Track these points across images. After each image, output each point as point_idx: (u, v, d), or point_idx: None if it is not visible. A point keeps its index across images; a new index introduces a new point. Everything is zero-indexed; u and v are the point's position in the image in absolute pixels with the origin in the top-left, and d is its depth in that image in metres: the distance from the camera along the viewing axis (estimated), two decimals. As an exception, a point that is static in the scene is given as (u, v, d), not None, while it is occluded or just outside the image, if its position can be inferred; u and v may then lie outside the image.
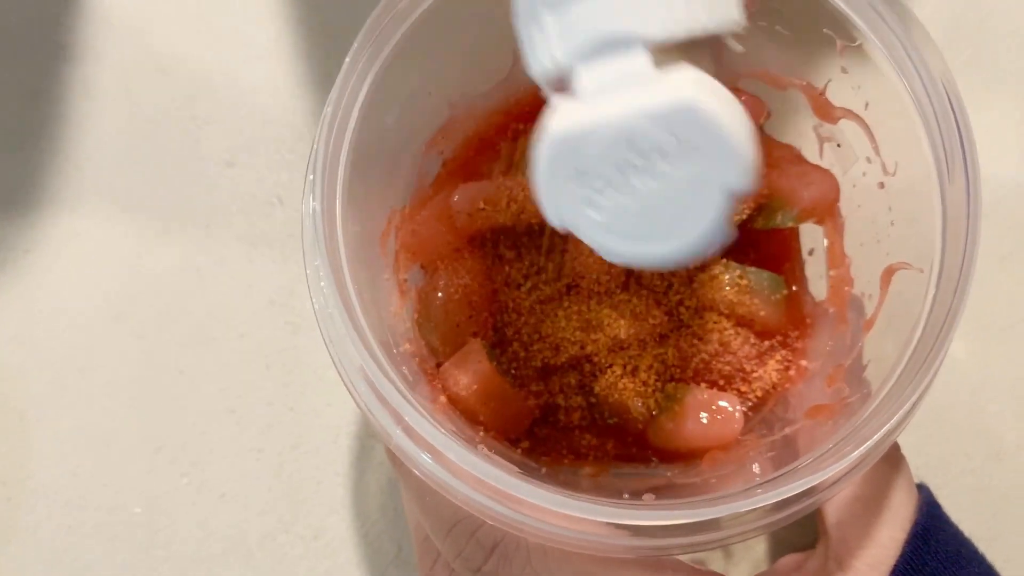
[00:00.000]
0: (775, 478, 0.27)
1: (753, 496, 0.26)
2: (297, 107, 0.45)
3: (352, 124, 0.28)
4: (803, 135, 0.35)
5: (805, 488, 0.26)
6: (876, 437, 0.26)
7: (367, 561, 0.41)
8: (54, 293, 0.44)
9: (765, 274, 0.35)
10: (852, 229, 0.34)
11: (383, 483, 0.42)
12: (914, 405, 0.26)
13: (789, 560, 0.34)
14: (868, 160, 0.32)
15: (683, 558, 0.32)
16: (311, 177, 0.28)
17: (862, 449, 0.26)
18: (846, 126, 0.33)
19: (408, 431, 0.27)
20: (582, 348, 0.35)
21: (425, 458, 0.27)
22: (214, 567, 0.41)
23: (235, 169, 0.44)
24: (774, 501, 0.26)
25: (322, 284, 0.27)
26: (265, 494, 0.42)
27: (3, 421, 0.43)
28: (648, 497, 0.28)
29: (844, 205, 0.34)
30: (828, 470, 0.26)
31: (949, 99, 0.27)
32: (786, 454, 0.31)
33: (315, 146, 0.28)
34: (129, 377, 0.43)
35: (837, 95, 0.33)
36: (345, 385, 0.28)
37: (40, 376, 0.44)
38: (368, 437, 0.42)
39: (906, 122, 0.29)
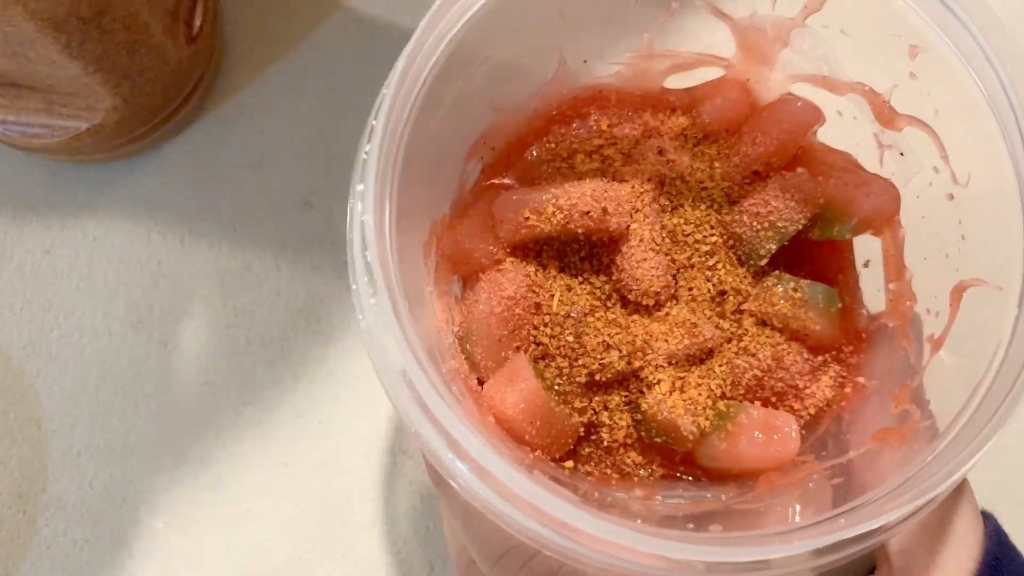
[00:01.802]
0: (843, 513, 0.26)
1: (826, 532, 0.24)
2: (328, 108, 0.44)
3: (403, 133, 0.27)
4: (862, 142, 0.34)
5: (874, 527, 0.24)
6: (950, 481, 0.24)
7: (398, 581, 0.40)
8: (72, 298, 0.43)
9: (819, 287, 0.34)
10: (915, 242, 0.33)
11: (415, 500, 0.40)
12: (992, 444, 0.25)
13: (849, 588, 0.32)
14: (935, 170, 0.31)
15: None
16: (360, 187, 0.26)
17: (933, 492, 0.24)
18: (911, 134, 0.32)
19: (463, 456, 0.25)
20: (629, 363, 0.33)
21: (475, 482, 0.25)
22: (238, 586, 0.40)
23: (262, 170, 0.43)
24: (844, 538, 0.25)
25: (372, 301, 0.25)
26: (292, 510, 0.40)
27: (19, 431, 0.42)
28: (715, 528, 0.27)
29: (906, 217, 0.33)
30: (898, 511, 0.24)
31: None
32: (847, 480, 0.30)
33: (364, 155, 0.26)
34: (150, 387, 0.42)
35: (903, 101, 0.31)
36: (393, 406, 0.26)
37: (57, 385, 0.42)
38: (400, 452, 0.40)
39: (982, 131, 0.28)
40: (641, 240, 0.34)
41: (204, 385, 0.41)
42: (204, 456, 0.41)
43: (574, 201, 0.33)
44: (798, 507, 0.30)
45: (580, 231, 0.34)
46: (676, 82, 0.36)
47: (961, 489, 0.31)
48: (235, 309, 0.42)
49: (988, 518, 0.32)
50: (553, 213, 0.33)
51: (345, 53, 0.44)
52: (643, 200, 0.34)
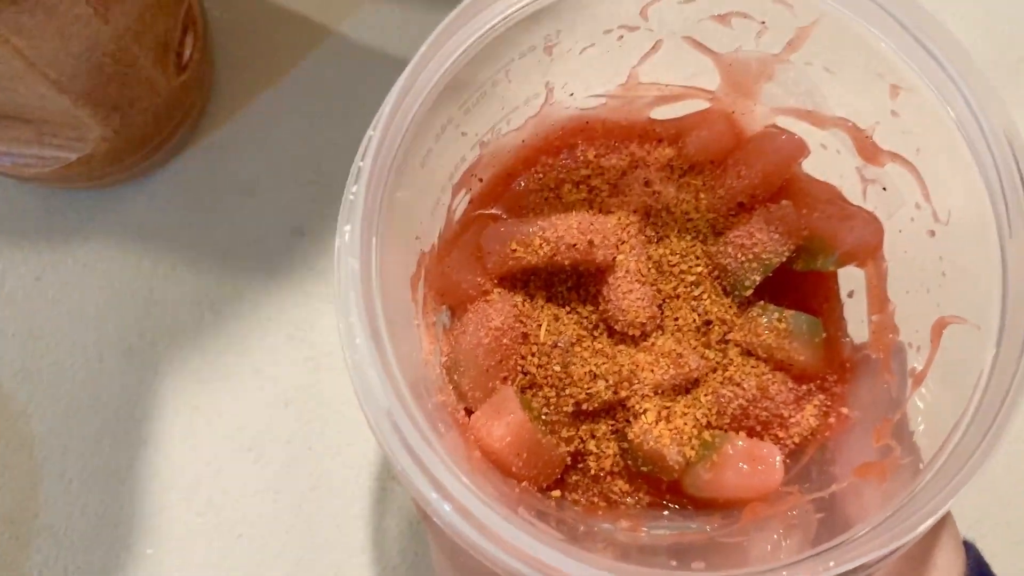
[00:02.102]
0: (828, 550, 0.26)
1: (810, 573, 0.25)
2: (319, 136, 0.44)
3: (390, 172, 0.27)
4: (845, 175, 0.34)
5: (858, 565, 0.25)
6: (932, 519, 0.25)
7: (388, 606, 0.40)
8: (64, 324, 0.43)
9: (804, 317, 0.34)
10: (898, 275, 0.33)
11: (404, 526, 0.40)
12: (975, 479, 0.25)
13: (832, 619, 0.32)
14: (917, 206, 0.31)
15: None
16: (347, 228, 0.26)
17: (916, 531, 0.25)
18: (893, 170, 0.32)
19: (447, 497, 0.25)
20: (616, 393, 0.34)
21: (460, 521, 0.25)
22: (229, 611, 0.40)
23: (253, 198, 0.43)
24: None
25: (357, 341, 0.26)
26: (283, 535, 0.40)
27: (10, 457, 0.42)
28: (698, 566, 0.27)
29: (889, 250, 0.33)
30: (882, 549, 0.25)
31: (1013, 152, 0.26)
32: (831, 513, 0.30)
33: (351, 196, 0.26)
34: (141, 413, 0.42)
35: (885, 137, 0.32)
36: (380, 446, 0.27)
37: (49, 411, 0.42)
38: (389, 479, 0.41)
39: (962, 171, 0.28)
40: (627, 271, 0.34)
41: (195, 411, 0.42)
42: (195, 482, 0.41)
43: (561, 233, 0.34)
44: (782, 538, 0.30)
45: (567, 262, 0.34)
46: (663, 113, 0.37)
47: (943, 521, 0.31)
48: (226, 336, 0.42)
49: (970, 548, 0.32)
50: (540, 245, 0.34)
51: (335, 80, 0.45)
52: (629, 232, 0.35)
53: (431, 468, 0.25)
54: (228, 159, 0.44)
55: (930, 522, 0.25)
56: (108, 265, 0.43)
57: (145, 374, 0.42)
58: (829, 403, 0.35)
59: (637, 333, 0.34)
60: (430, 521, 0.30)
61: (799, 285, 0.36)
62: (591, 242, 0.33)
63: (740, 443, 0.33)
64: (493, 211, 0.37)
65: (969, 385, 0.27)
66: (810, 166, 0.35)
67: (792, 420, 0.34)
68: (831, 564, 0.25)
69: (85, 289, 0.43)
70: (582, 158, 0.37)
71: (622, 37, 0.33)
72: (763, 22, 0.31)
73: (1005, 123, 0.27)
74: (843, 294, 0.36)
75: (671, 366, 0.34)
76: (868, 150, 0.32)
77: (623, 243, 0.34)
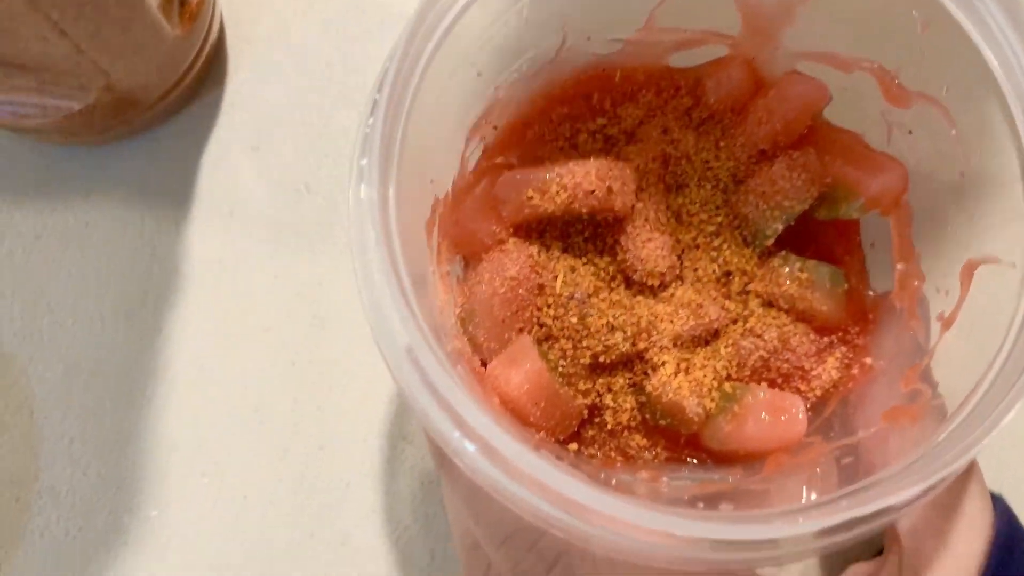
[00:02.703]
0: (853, 492, 0.26)
1: (830, 514, 0.24)
2: (326, 90, 0.43)
3: (407, 109, 0.26)
4: (869, 120, 0.33)
5: (884, 507, 0.24)
6: (960, 461, 0.24)
7: (399, 569, 0.39)
8: (64, 284, 0.42)
9: (825, 267, 0.34)
10: (924, 221, 0.32)
11: (415, 487, 0.39)
12: (1005, 422, 0.24)
13: (859, 569, 0.32)
14: (945, 149, 0.31)
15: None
16: (364, 161, 0.25)
17: (943, 473, 0.24)
18: (920, 111, 0.31)
19: (470, 435, 0.24)
20: (634, 345, 0.33)
21: (485, 463, 0.24)
22: (236, 575, 0.39)
23: (260, 153, 0.42)
24: (855, 516, 0.24)
25: (377, 277, 0.25)
26: (291, 497, 0.40)
27: (11, 418, 0.41)
28: (726, 507, 0.26)
29: (914, 196, 0.32)
30: (905, 491, 0.24)
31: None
32: (858, 461, 0.29)
33: (367, 128, 0.26)
34: (145, 373, 0.41)
35: (913, 78, 0.31)
36: (397, 384, 0.26)
37: (49, 372, 0.41)
38: (400, 438, 0.40)
39: (996, 108, 0.27)
40: (646, 220, 0.33)
41: (199, 371, 0.41)
42: (200, 443, 0.40)
43: (578, 180, 0.33)
44: (805, 489, 0.29)
45: (584, 211, 0.33)
46: (681, 60, 0.36)
47: (971, 471, 0.31)
48: (231, 295, 0.41)
49: (998, 501, 0.31)
50: (557, 192, 0.33)
51: (344, 32, 0.44)
52: (648, 180, 0.34)
53: (454, 405, 0.24)
54: (232, 115, 0.43)
55: (959, 464, 0.24)
56: (110, 223, 0.42)
57: (147, 334, 0.41)
58: (852, 355, 0.34)
59: (656, 283, 0.34)
60: (448, 468, 0.29)
61: (821, 235, 0.35)
62: (610, 189, 0.33)
63: (762, 394, 0.32)
64: (507, 160, 0.36)
65: (1001, 328, 0.26)
66: (832, 111, 0.34)
67: (814, 372, 0.34)
68: (848, 502, 0.24)
69: (86, 247, 0.42)
70: (599, 107, 0.36)
71: (641, -23, 0.32)
72: (788, -43, 0.30)
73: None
74: (866, 244, 0.35)
75: (690, 317, 0.33)
76: (894, 92, 0.32)
77: (642, 191, 0.34)
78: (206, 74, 0.43)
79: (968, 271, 0.29)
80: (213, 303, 0.41)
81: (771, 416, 0.32)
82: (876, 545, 0.33)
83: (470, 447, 0.24)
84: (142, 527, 0.40)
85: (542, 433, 0.31)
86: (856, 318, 0.34)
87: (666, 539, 0.24)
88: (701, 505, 0.27)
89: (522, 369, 0.31)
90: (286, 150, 0.42)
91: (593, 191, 0.33)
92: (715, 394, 0.33)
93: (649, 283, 0.34)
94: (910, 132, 0.32)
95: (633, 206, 0.33)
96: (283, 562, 0.39)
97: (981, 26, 0.27)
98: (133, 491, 0.40)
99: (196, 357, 0.41)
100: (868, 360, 0.33)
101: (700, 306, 0.33)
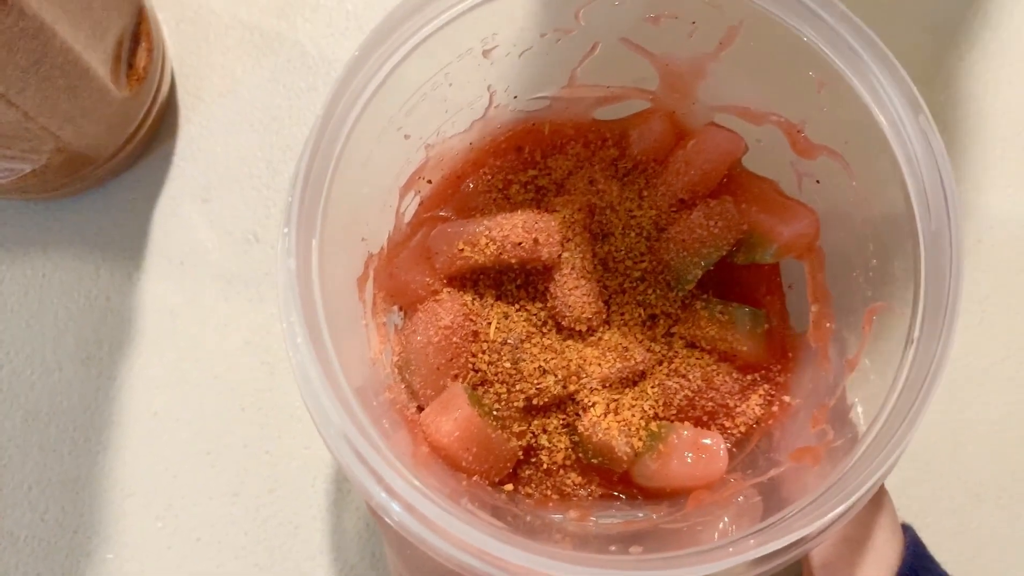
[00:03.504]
0: (763, 529, 0.27)
1: (743, 551, 0.25)
2: (274, 142, 0.44)
3: (331, 175, 0.28)
4: (781, 169, 0.35)
5: (794, 540, 0.26)
6: (865, 488, 0.25)
7: (348, 605, 0.40)
8: (22, 334, 0.43)
9: (747, 309, 0.35)
10: (834, 265, 0.34)
11: (361, 528, 0.41)
12: (901, 453, 0.26)
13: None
14: (847, 198, 0.32)
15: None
16: (286, 231, 0.27)
17: (851, 500, 0.25)
18: (824, 162, 0.33)
19: (389, 491, 0.26)
20: (565, 387, 0.34)
21: (407, 517, 0.26)
22: (191, 615, 0.41)
23: (210, 205, 0.43)
24: (763, 554, 0.26)
25: (298, 340, 0.26)
26: (242, 538, 0.41)
27: (-31, 467, 0.42)
28: (635, 550, 0.28)
29: (825, 241, 0.34)
30: (817, 522, 0.26)
31: (928, 138, 0.27)
32: (773, 497, 0.31)
33: (290, 199, 0.27)
34: (100, 420, 0.42)
35: (816, 132, 0.33)
36: (324, 442, 0.27)
37: (8, 420, 0.42)
38: (345, 481, 0.41)
39: (886, 160, 0.29)
40: (573, 268, 0.35)
41: (153, 416, 0.42)
42: (154, 487, 0.41)
43: (506, 232, 0.34)
44: (729, 524, 0.31)
45: (514, 261, 0.35)
46: (607, 114, 0.37)
47: (881, 504, 0.32)
48: (183, 342, 0.42)
49: (908, 530, 0.33)
50: (487, 244, 0.34)
51: (290, 89, 0.45)
52: (574, 229, 0.35)
53: (375, 466, 0.26)
54: (183, 167, 0.44)
55: (861, 493, 0.26)
56: (66, 274, 0.43)
57: (103, 381, 0.42)
58: (773, 392, 0.35)
59: (584, 328, 0.35)
60: (380, 519, 0.30)
61: (744, 277, 0.37)
62: (536, 240, 0.34)
63: (685, 433, 0.34)
64: (442, 213, 0.37)
65: (895, 366, 0.28)
66: (750, 159, 0.36)
67: (738, 410, 0.35)
68: (757, 540, 0.25)
69: (43, 298, 0.43)
70: (529, 159, 0.38)
71: (559, 40, 0.33)
72: (693, 23, 0.32)
73: (921, 110, 0.28)
74: (785, 285, 0.37)
75: (618, 359, 0.35)
76: (800, 144, 0.33)
77: (568, 240, 0.35)
78: (157, 129, 0.44)
79: (869, 316, 0.31)
80: (166, 350, 0.43)
81: (694, 454, 0.33)
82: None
83: (393, 505, 0.26)
84: (99, 570, 0.41)
85: (475, 477, 0.33)
86: (777, 356, 0.36)
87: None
88: (613, 548, 0.28)
89: (452, 417, 0.32)
90: (235, 201, 0.44)
91: (520, 243, 0.34)
92: (642, 433, 0.34)
93: (578, 328, 0.35)
94: (817, 181, 0.34)
95: (560, 255, 0.35)
96: (237, 602, 0.40)
97: (868, 87, 0.29)
98: (90, 534, 0.41)
99: (150, 403, 0.42)
100: (787, 398, 0.35)
101: (626, 349, 0.35)
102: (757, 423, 0.35)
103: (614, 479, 0.35)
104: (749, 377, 0.35)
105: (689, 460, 0.33)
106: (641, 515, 0.34)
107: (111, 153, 0.41)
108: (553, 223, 0.35)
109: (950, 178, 0.28)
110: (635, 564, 0.26)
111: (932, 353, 0.26)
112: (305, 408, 0.27)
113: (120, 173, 0.44)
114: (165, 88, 0.43)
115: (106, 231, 0.44)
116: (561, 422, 0.35)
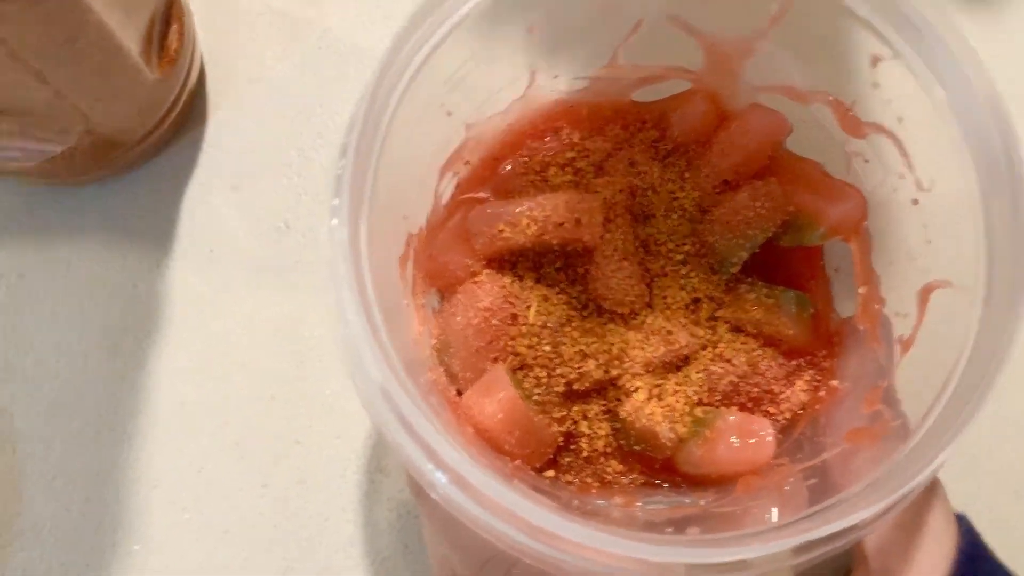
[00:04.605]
0: (818, 511, 0.26)
1: (799, 533, 0.25)
2: (304, 130, 0.44)
3: (377, 149, 0.27)
4: (828, 150, 0.35)
5: (852, 524, 0.25)
6: (921, 476, 0.25)
7: (379, 599, 0.39)
8: (48, 322, 0.42)
9: (791, 293, 0.34)
10: (883, 246, 0.33)
11: (392, 519, 0.40)
12: (962, 440, 0.25)
13: (828, 590, 0.32)
14: (900, 176, 0.32)
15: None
16: (335, 202, 0.26)
17: (906, 488, 0.25)
18: (875, 141, 0.32)
19: (442, 466, 0.25)
20: (606, 372, 0.34)
21: (458, 494, 0.25)
22: (218, 608, 0.40)
23: (239, 192, 0.43)
24: (824, 535, 0.25)
25: (349, 316, 0.26)
26: (271, 531, 0.40)
27: (-7, 457, 0.41)
28: (693, 531, 0.27)
29: (873, 222, 0.34)
30: (870, 508, 0.25)
31: (993, 113, 0.27)
32: (824, 480, 0.30)
33: (339, 170, 0.26)
34: (126, 410, 0.41)
35: (866, 109, 0.32)
36: (371, 419, 0.26)
37: (32, 409, 0.42)
38: (377, 471, 0.40)
39: (944, 137, 0.28)
40: (615, 250, 0.34)
41: (181, 407, 0.41)
42: (181, 478, 0.41)
43: (547, 213, 0.34)
44: (775, 509, 0.30)
45: (554, 242, 0.34)
46: (646, 95, 0.37)
47: (934, 491, 0.32)
48: (211, 331, 0.42)
49: (962, 519, 0.32)
50: (527, 225, 0.34)
51: (322, 74, 0.45)
52: (615, 211, 0.35)
53: (426, 438, 0.25)
54: (214, 153, 0.44)
55: (920, 480, 0.25)
56: (92, 262, 0.43)
57: (129, 371, 0.42)
58: (819, 377, 0.35)
59: (626, 311, 0.35)
60: (423, 497, 0.29)
61: (787, 261, 0.36)
62: (578, 220, 0.34)
63: (732, 418, 0.33)
64: (480, 194, 0.37)
65: (957, 348, 0.27)
66: (793, 141, 0.35)
67: (783, 395, 0.34)
68: (817, 521, 0.25)
69: (69, 286, 0.43)
70: (567, 141, 0.37)
71: (604, 19, 0.33)
72: (744, -3, 0.31)
73: (984, 82, 0.27)
74: (830, 269, 0.36)
75: (661, 343, 0.34)
76: (850, 123, 0.33)
77: (609, 222, 0.35)
78: (186, 115, 0.44)
79: (925, 295, 0.30)
80: (194, 339, 0.42)
81: (741, 440, 0.32)
82: (844, 565, 0.33)
83: (442, 478, 0.25)
84: (124, 562, 0.40)
85: (518, 461, 0.32)
86: (822, 341, 0.35)
87: (640, 565, 0.25)
88: (670, 530, 0.28)
89: (495, 398, 0.31)
90: (265, 188, 0.43)
91: (562, 223, 0.33)
92: (687, 419, 0.33)
93: (619, 311, 0.34)
94: (866, 161, 0.33)
95: (601, 236, 0.34)
96: (265, 595, 0.39)
97: (929, 61, 0.28)
98: (115, 527, 0.40)
99: (177, 393, 0.41)
100: (834, 382, 0.34)
101: (670, 333, 0.34)
102: (803, 409, 0.35)
103: (656, 466, 0.35)
104: (794, 362, 0.35)
105: (736, 446, 0.32)
106: (688, 501, 0.33)
107: (140, 137, 0.41)
108: (596, 204, 0.34)
109: (1019, 156, 0.27)
110: (696, 543, 0.25)
111: (1000, 336, 0.26)
112: (354, 384, 0.26)
113: (149, 159, 0.43)
114: (195, 73, 0.43)
115: (133, 218, 0.43)
116: (602, 408, 0.34)
